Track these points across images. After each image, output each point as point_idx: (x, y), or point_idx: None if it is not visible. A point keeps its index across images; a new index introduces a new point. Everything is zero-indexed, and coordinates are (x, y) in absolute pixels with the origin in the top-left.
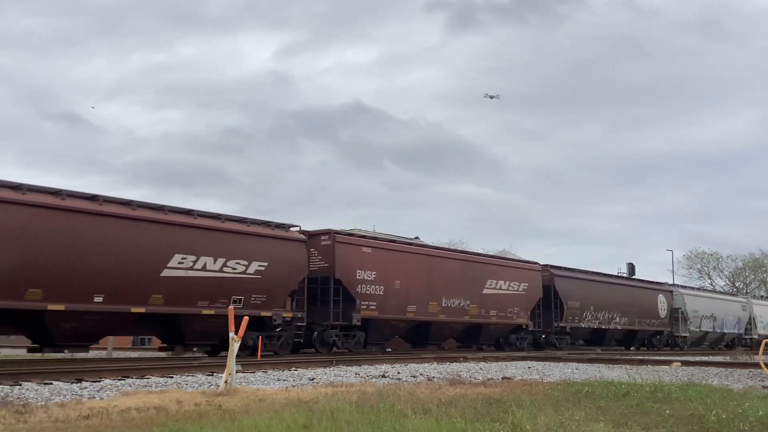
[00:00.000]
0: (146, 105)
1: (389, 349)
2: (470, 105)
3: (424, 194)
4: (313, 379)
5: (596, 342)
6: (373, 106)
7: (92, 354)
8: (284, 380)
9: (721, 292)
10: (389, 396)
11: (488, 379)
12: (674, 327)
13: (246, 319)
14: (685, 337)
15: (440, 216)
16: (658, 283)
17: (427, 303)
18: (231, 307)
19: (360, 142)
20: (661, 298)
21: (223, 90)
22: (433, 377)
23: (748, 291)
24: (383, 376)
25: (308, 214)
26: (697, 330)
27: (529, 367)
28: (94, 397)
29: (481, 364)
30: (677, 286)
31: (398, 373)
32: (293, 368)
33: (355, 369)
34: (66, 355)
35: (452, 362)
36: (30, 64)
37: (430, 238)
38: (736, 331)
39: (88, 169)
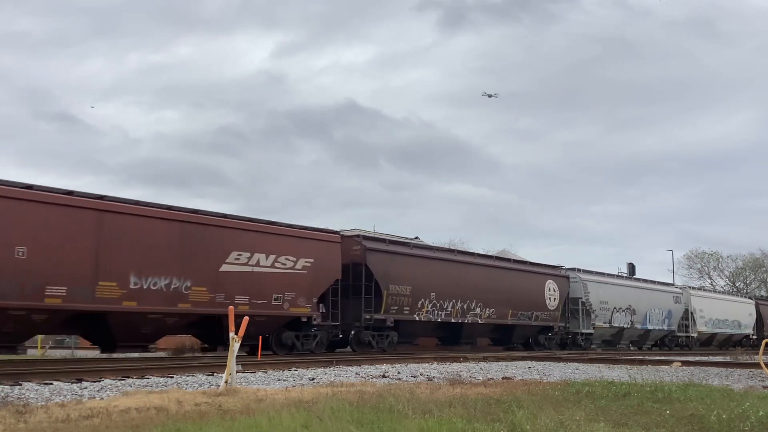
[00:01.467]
0: (143, 105)
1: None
2: (465, 105)
3: (421, 194)
4: (313, 379)
5: (450, 340)
6: (368, 105)
7: (92, 354)
8: (284, 380)
9: (645, 280)
10: (389, 396)
11: (488, 379)
12: (572, 322)
13: (246, 319)
14: (588, 334)
15: (437, 216)
16: (547, 266)
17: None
18: (231, 307)
19: (354, 141)
20: (550, 285)
21: (219, 90)
22: (433, 377)
23: (749, 291)
24: (383, 376)
25: (306, 214)
26: (607, 325)
27: (530, 367)
28: (95, 397)
29: (481, 364)
30: (579, 270)
31: (398, 373)
32: (293, 368)
33: (355, 369)
34: (66, 354)
35: (452, 362)
36: (27, 64)
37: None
38: (666, 328)
39: (85, 169)
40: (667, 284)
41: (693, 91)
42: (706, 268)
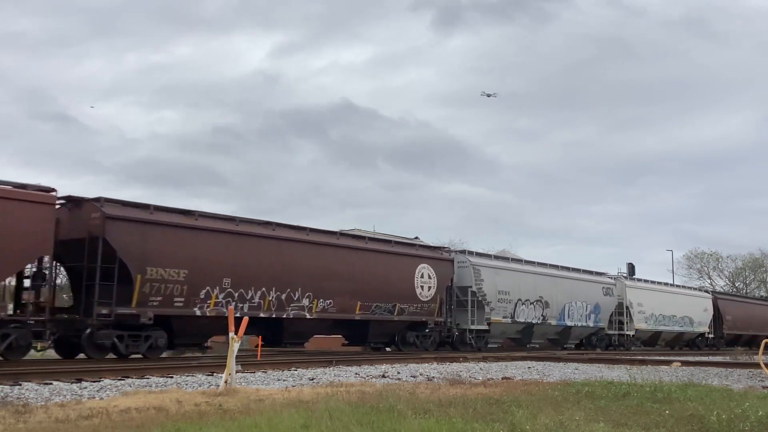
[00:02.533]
0: (142, 105)
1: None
2: (463, 105)
3: (419, 194)
4: (313, 379)
5: (271, 340)
6: (366, 105)
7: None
8: (284, 380)
9: (565, 268)
10: (389, 396)
11: (488, 379)
12: (459, 316)
13: (246, 319)
14: (482, 331)
15: (436, 216)
16: (422, 246)
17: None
18: (231, 307)
19: (352, 141)
20: (424, 270)
21: (217, 90)
22: (433, 377)
23: (748, 291)
24: (383, 376)
25: (304, 214)
26: (508, 321)
27: (529, 367)
28: (94, 397)
29: (481, 364)
30: (471, 253)
31: (398, 373)
32: (293, 368)
33: (354, 369)
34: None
35: (452, 362)
36: (27, 64)
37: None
38: (592, 325)
39: (83, 169)
40: (595, 273)
41: (693, 91)
42: (706, 269)
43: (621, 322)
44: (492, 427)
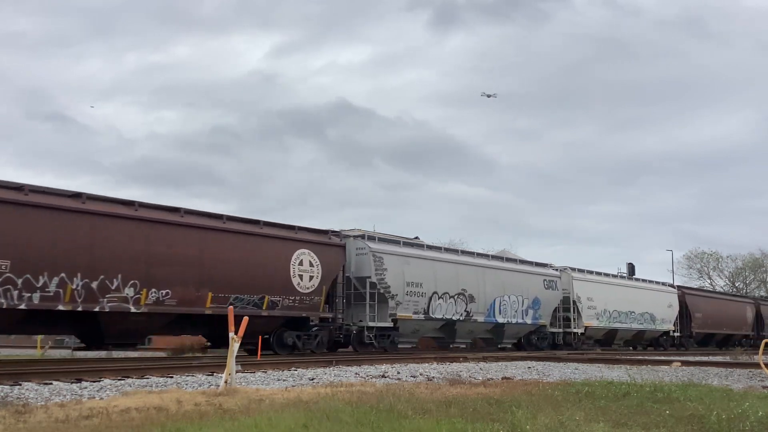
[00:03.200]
0: (140, 105)
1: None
2: (461, 105)
3: (418, 194)
4: (313, 379)
5: (88, 341)
6: (364, 106)
7: (92, 354)
8: (284, 380)
9: (499, 257)
10: (389, 396)
11: (488, 379)
12: (355, 311)
13: (246, 319)
14: (386, 329)
15: (434, 216)
16: (306, 229)
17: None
18: (230, 307)
19: (350, 141)
20: (304, 257)
21: (215, 90)
22: (433, 377)
23: (748, 291)
24: (383, 376)
25: (302, 214)
26: (420, 317)
27: (529, 367)
28: (94, 397)
29: (481, 364)
30: (372, 239)
31: (398, 373)
32: (293, 368)
33: (354, 369)
34: (65, 354)
35: (452, 362)
36: (24, 64)
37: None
38: (530, 322)
39: (81, 169)
40: (536, 264)
41: (692, 91)
42: (706, 269)
43: (568, 319)
44: (492, 427)
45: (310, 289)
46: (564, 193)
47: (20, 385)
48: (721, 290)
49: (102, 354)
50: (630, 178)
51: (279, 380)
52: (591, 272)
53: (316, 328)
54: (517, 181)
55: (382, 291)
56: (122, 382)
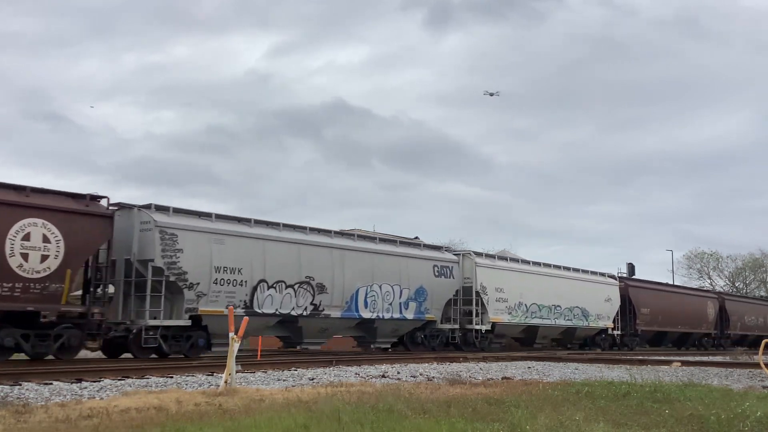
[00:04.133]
0: (139, 105)
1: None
2: (459, 105)
3: (416, 194)
4: (313, 379)
5: None
6: (362, 106)
7: (92, 354)
8: (284, 380)
9: (368, 238)
10: (389, 396)
11: (488, 379)
12: (134, 305)
13: (246, 319)
14: (183, 328)
15: (434, 216)
16: (39, 191)
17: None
18: (230, 307)
19: (348, 141)
20: (36, 230)
21: (213, 90)
22: (433, 377)
23: (748, 291)
24: (383, 377)
25: (301, 214)
26: (238, 311)
27: (529, 367)
28: (94, 397)
29: (481, 364)
30: (159, 208)
31: (398, 373)
32: (293, 368)
33: (354, 369)
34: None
35: (452, 362)
36: (23, 64)
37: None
38: (411, 317)
39: (79, 169)
40: (424, 246)
41: (692, 91)
42: (706, 269)
43: (470, 313)
44: (492, 427)
45: (43, 274)
46: (563, 193)
47: (20, 385)
48: (680, 284)
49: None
50: (629, 178)
51: (279, 380)
52: (504, 258)
53: (60, 327)
54: (516, 181)
55: (173, 279)
56: (122, 382)
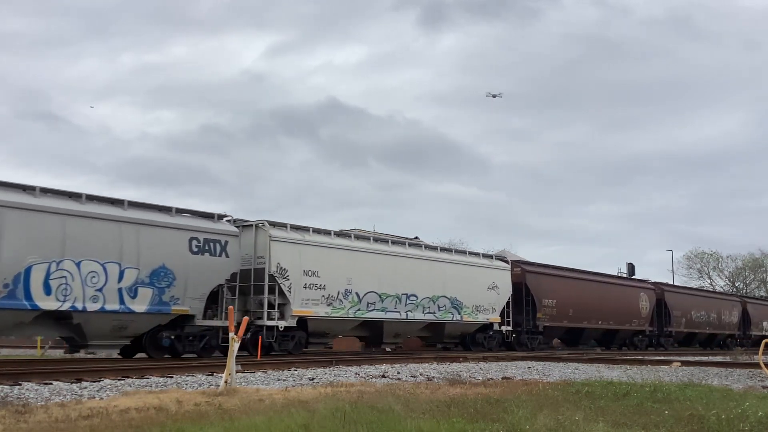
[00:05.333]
0: (137, 105)
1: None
2: (455, 105)
3: (413, 194)
4: (313, 379)
5: None
6: (358, 106)
7: (92, 354)
8: (284, 380)
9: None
10: (389, 396)
11: (488, 379)
12: None
13: (246, 319)
14: None
15: (430, 216)
16: None
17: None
18: (231, 307)
19: (344, 141)
20: None
21: (210, 90)
22: (433, 377)
23: (748, 291)
24: (383, 377)
25: (299, 214)
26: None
27: (529, 367)
28: (94, 397)
29: (481, 364)
30: None
31: (398, 373)
32: (293, 368)
33: (354, 369)
34: (66, 355)
35: (452, 362)
36: (21, 64)
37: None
38: (147, 309)
39: (79, 169)
40: (176, 211)
41: (688, 92)
42: (706, 269)
43: (265, 304)
44: (492, 427)
45: None
46: (560, 193)
47: (20, 385)
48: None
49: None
50: (625, 178)
51: (279, 380)
52: (324, 232)
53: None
54: (513, 182)
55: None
56: (122, 382)
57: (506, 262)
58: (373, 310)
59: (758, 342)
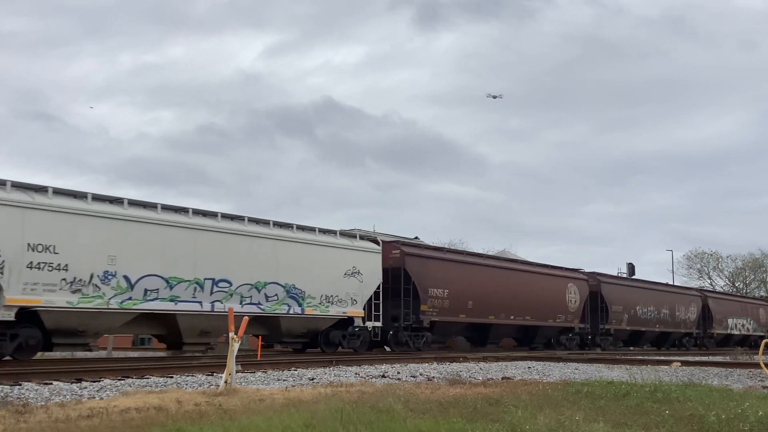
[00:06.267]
0: (135, 105)
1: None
2: (453, 105)
3: (410, 194)
4: (313, 379)
5: None
6: (356, 105)
7: (92, 354)
8: (284, 380)
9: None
10: (389, 396)
11: (488, 379)
12: None
13: (246, 319)
14: None
15: (427, 216)
16: None
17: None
18: (231, 307)
19: (341, 141)
20: None
21: (207, 90)
22: (433, 377)
23: (748, 291)
24: (383, 377)
25: (298, 214)
26: None
27: (529, 367)
28: (94, 397)
29: (481, 364)
30: None
31: (398, 373)
32: (293, 368)
33: (355, 369)
34: (66, 355)
35: (452, 362)
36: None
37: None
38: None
39: (78, 169)
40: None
41: (686, 92)
42: (706, 269)
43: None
44: (492, 427)
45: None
46: (557, 193)
47: (20, 385)
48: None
49: (102, 354)
50: (623, 178)
51: (279, 380)
52: (62, 193)
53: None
54: (510, 182)
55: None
56: (122, 382)
57: (376, 243)
58: (155, 299)
59: (722, 342)
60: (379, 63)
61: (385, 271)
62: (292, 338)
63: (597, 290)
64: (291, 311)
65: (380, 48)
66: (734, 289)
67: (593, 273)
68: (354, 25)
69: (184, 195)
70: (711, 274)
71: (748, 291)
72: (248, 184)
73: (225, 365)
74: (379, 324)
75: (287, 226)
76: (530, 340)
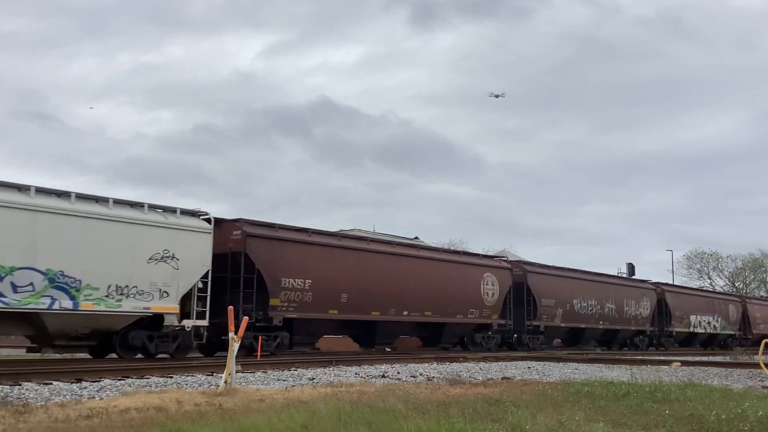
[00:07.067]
0: (134, 106)
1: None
2: (451, 105)
3: (408, 194)
4: (312, 379)
5: None
6: (354, 105)
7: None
8: (284, 380)
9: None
10: (389, 396)
11: (488, 379)
12: None
13: (246, 319)
14: None
15: (425, 216)
16: None
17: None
18: (230, 307)
19: (339, 141)
20: None
21: (206, 90)
22: (433, 377)
23: (748, 291)
24: (383, 377)
25: (296, 214)
26: None
27: (529, 367)
28: (94, 397)
29: (481, 364)
30: None
31: (398, 373)
32: (293, 368)
33: (354, 369)
34: (66, 355)
35: (452, 362)
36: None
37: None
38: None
39: (77, 169)
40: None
41: (685, 92)
42: (706, 269)
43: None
44: (492, 427)
45: None
46: (556, 193)
47: (20, 385)
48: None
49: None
50: (622, 178)
51: (279, 380)
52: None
53: None
54: (508, 182)
55: None
56: (122, 382)
57: (208, 221)
58: None
59: (684, 341)
60: (376, 63)
61: (223, 256)
62: (68, 340)
63: (523, 281)
64: (55, 306)
65: (378, 48)
66: (734, 289)
67: (519, 261)
68: (352, 25)
69: (182, 195)
70: (711, 274)
71: (748, 291)
72: (246, 184)
73: (225, 365)
74: (204, 323)
75: (65, 195)
76: (436, 340)
